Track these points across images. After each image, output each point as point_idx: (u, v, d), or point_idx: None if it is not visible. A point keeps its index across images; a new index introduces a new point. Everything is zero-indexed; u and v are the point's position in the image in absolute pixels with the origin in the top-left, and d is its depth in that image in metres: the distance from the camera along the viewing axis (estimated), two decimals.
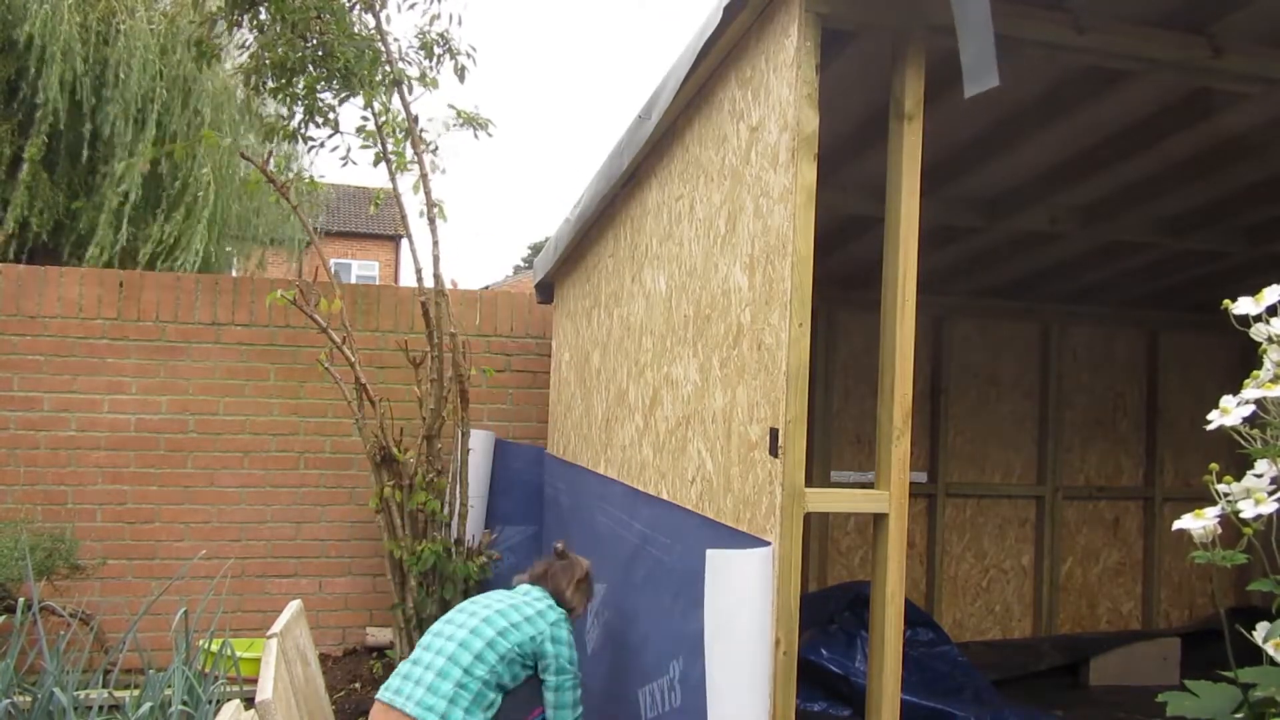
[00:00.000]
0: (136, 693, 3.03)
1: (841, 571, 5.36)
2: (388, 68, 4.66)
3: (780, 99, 2.36)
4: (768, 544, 2.29)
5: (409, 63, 4.90)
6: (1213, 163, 3.64)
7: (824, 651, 4.46)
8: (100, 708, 2.85)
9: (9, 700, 2.72)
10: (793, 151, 2.29)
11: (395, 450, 4.74)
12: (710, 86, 2.87)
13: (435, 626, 3.18)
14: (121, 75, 10.19)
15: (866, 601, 4.67)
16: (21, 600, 3.21)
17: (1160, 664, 5.19)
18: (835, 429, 5.13)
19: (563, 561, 3.43)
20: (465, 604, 3.26)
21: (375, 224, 29.30)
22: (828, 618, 4.63)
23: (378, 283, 27.32)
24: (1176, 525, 1.25)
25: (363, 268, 28.91)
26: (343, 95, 4.79)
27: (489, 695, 2.99)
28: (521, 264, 44.50)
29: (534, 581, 3.36)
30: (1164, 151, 3.54)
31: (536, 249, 45.58)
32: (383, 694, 2.99)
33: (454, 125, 4.76)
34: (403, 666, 3.05)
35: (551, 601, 3.27)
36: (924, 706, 4.14)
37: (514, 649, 3.05)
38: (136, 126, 10.29)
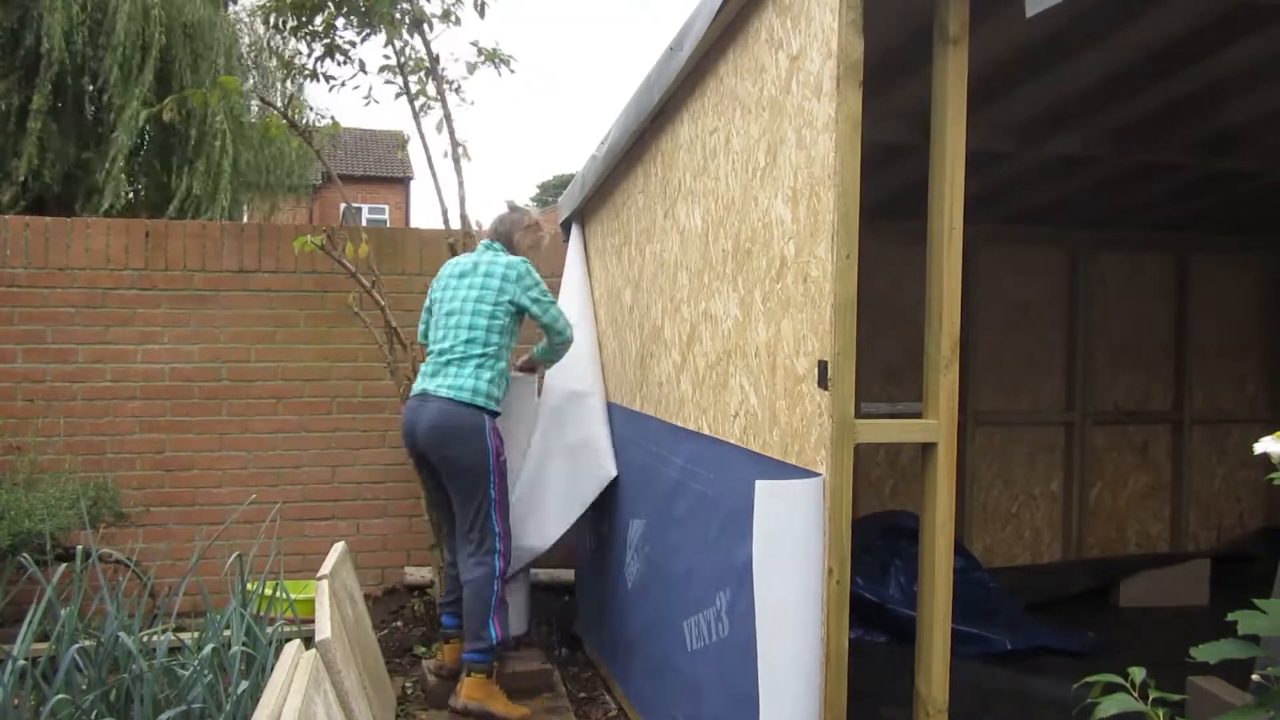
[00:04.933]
0: (197, 635, 3.10)
1: (873, 502, 5.40)
2: (407, 4, 4.59)
3: (823, 25, 2.32)
4: (818, 475, 2.31)
5: None
6: (1254, 80, 3.57)
7: (859, 580, 4.52)
8: (164, 650, 2.93)
9: (77, 645, 2.79)
10: (837, 80, 2.26)
11: None
12: (745, 15, 2.81)
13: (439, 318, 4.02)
14: (118, 21, 10.05)
15: (900, 531, 4.77)
16: (80, 548, 3.28)
17: (1190, 585, 5.24)
18: (864, 360, 5.12)
19: (514, 214, 4.23)
20: (449, 294, 4.02)
21: (384, 167, 29.11)
22: (861, 547, 4.69)
23: (388, 225, 27.24)
24: (1258, 448, 1.25)
25: (373, 211, 28.81)
26: (363, 33, 4.73)
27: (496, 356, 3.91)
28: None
29: (492, 238, 4.18)
30: (1204, 70, 3.47)
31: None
32: (419, 389, 3.92)
33: (478, 63, 4.70)
34: (426, 367, 3.98)
35: (504, 254, 4.06)
36: (960, 631, 4.19)
37: (499, 311, 3.91)
38: (137, 73, 10.19)
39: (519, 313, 3.96)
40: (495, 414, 3.88)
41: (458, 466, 3.81)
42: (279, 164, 11.99)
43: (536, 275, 3.99)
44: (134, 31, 10.12)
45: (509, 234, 4.18)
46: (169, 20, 10.40)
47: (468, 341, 3.86)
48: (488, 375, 3.84)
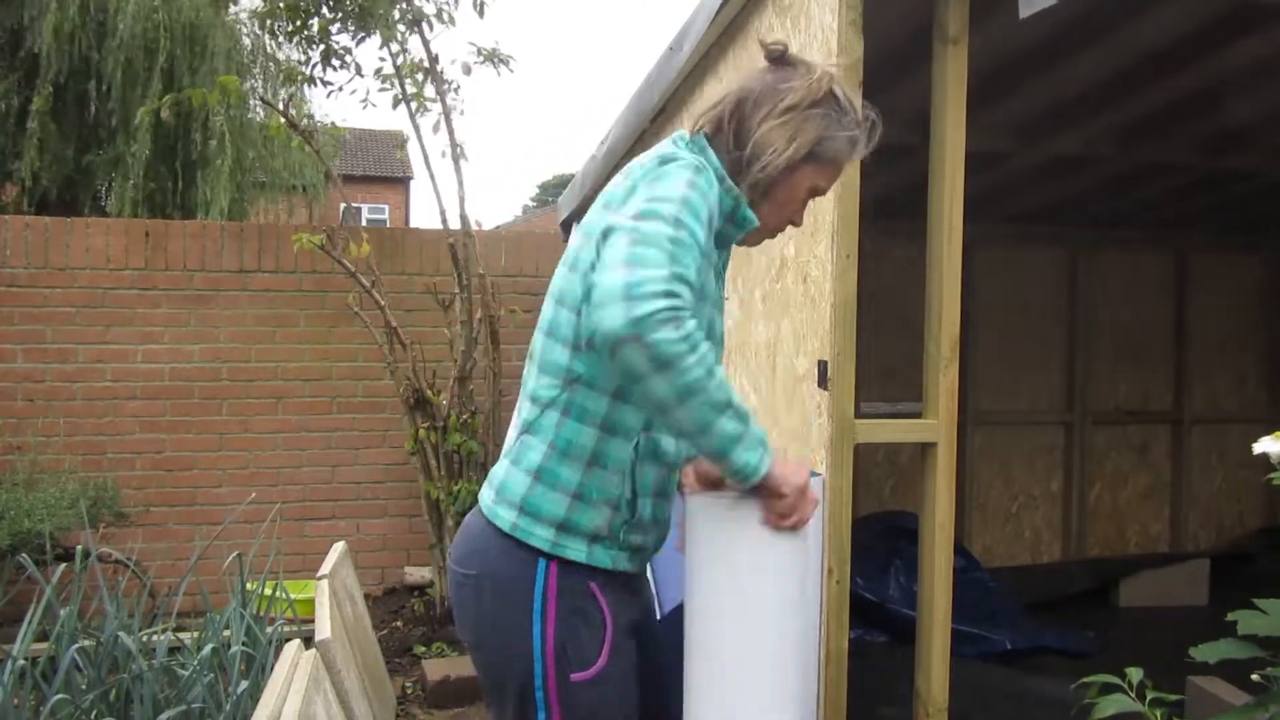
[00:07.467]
0: (197, 635, 3.10)
1: (872, 502, 5.40)
2: (404, 5, 4.59)
3: (823, 25, 2.32)
4: (818, 475, 2.31)
5: None
6: (1255, 80, 3.57)
7: (859, 580, 4.52)
8: (164, 650, 2.93)
9: (76, 645, 2.79)
10: None
11: (428, 392, 4.77)
12: (745, 15, 2.81)
13: None
14: (120, 24, 10.02)
15: (899, 531, 4.76)
16: (80, 548, 3.29)
17: (1189, 585, 5.23)
18: (864, 360, 5.11)
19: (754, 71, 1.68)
20: None
21: (384, 167, 29.07)
22: (861, 547, 4.68)
23: (388, 225, 27.22)
24: (1258, 448, 1.24)
25: (373, 211, 28.76)
26: (359, 36, 4.73)
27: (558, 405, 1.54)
28: (531, 204, 44.20)
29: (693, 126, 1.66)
30: (1204, 70, 3.47)
31: (546, 188, 45.33)
32: None
33: (476, 62, 4.69)
34: None
35: (684, 154, 1.55)
36: (960, 631, 4.18)
37: (569, 295, 1.55)
38: (145, 75, 10.18)
39: None
40: (575, 563, 1.55)
41: (478, 666, 1.67)
42: (290, 167, 11.96)
43: (686, 190, 1.43)
44: (139, 32, 10.09)
45: (738, 97, 1.63)
46: (170, 22, 10.38)
47: (526, 373, 1.64)
48: (535, 455, 1.56)
